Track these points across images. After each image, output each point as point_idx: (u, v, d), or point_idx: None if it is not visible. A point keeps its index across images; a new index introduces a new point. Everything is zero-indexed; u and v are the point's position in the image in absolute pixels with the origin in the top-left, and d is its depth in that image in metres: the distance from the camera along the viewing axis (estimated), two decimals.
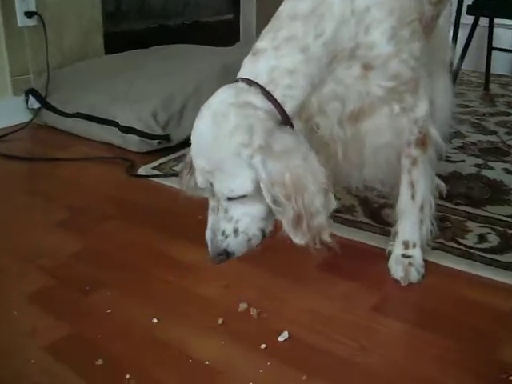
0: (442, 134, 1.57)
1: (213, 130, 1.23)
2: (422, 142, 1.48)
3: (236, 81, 1.30)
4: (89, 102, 2.55)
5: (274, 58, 1.29)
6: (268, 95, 1.27)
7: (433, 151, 1.52)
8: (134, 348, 1.28)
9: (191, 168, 1.38)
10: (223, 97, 1.27)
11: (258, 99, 1.26)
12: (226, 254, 1.32)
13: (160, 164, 2.29)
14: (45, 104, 2.68)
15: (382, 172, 1.53)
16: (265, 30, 1.35)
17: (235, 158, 1.22)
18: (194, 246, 1.64)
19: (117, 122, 2.40)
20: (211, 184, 1.27)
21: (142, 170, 2.21)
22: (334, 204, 1.28)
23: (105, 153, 2.41)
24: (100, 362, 1.23)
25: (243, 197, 1.26)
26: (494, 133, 2.82)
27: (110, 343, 1.29)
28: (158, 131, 2.35)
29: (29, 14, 2.79)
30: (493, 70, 4.03)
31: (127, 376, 1.19)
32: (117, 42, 3.33)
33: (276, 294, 1.46)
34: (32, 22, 2.81)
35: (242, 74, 1.32)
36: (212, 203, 1.32)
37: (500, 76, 4.23)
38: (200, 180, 1.30)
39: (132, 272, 1.56)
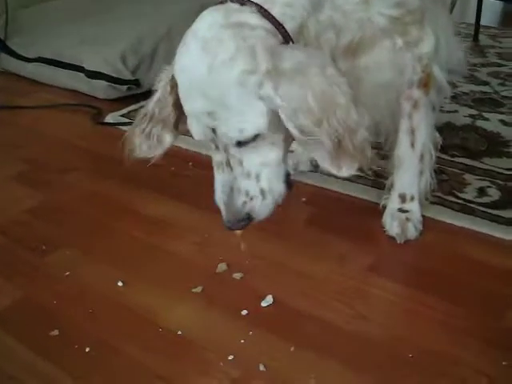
0: (448, 76, 1.44)
1: (206, 59, 1.04)
2: (425, 82, 1.36)
3: (222, 2, 1.11)
4: (52, 46, 2.47)
5: None
6: (266, 13, 1.08)
7: (435, 94, 1.40)
8: (96, 316, 1.19)
9: (150, 122, 1.23)
10: (211, 20, 1.08)
11: (254, 18, 1.08)
12: (249, 219, 1.14)
13: (129, 111, 2.19)
14: (4, 48, 2.58)
15: (379, 115, 1.40)
16: None
17: (240, 89, 1.03)
18: (163, 199, 1.56)
19: (83, 67, 2.32)
20: (213, 130, 1.07)
21: (109, 118, 2.12)
22: (366, 115, 1.11)
23: (69, 100, 2.31)
24: (55, 332, 1.13)
25: (255, 138, 1.07)
26: (486, 83, 2.74)
27: (67, 311, 1.19)
28: (128, 76, 2.27)
29: None
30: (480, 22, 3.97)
31: (87, 349, 1.08)
32: None
33: (259, 253, 1.35)
34: None
35: None
36: (217, 157, 1.12)
37: (488, 27, 4.18)
38: (197, 129, 1.10)
39: (94, 228, 1.46)
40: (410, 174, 1.45)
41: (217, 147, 1.11)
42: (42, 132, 2.03)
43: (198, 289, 1.23)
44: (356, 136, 1.05)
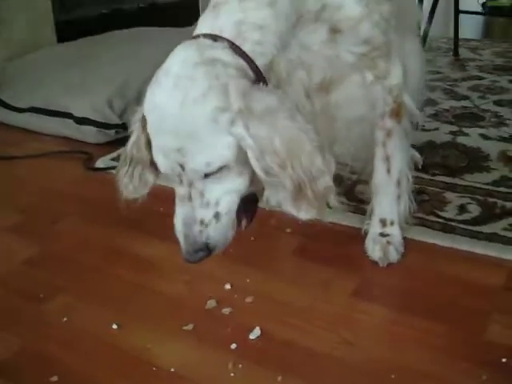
0: (416, 101, 1.49)
1: (178, 96, 1.05)
2: (397, 112, 1.41)
3: (195, 37, 1.14)
4: (41, 95, 2.48)
5: (240, 11, 1.14)
6: (238, 49, 1.11)
7: (407, 121, 1.45)
8: (93, 360, 1.20)
9: (131, 164, 1.25)
10: (184, 56, 1.09)
11: (226, 55, 1.10)
12: (207, 249, 1.13)
13: (119, 155, 2.15)
14: None
15: (354, 147, 1.45)
16: None
17: (211, 125, 1.05)
18: (154, 241, 1.58)
19: (71, 114, 2.33)
20: (181, 166, 1.08)
21: (99, 163, 2.14)
22: (334, 162, 1.12)
23: (61, 147, 2.31)
24: (55, 378, 1.14)
25: (221, 170, 1.09)
26: (466, 98, 2.79)
27: (65, 356, 1.21)
28: (115, 120, 2.28)
29: None
30: (461, 35, 4.00)
31: None
32: (69, 30, 3.26)
33: (246, 287, 1.38)
34: None
35: (201, 29, 1.16)
36: (181, 191, 1.12)
37: (468, 40, 4.24)
38: (164, 164, 1.11)
39: (90, 273, 1.48)
40: (388, 199, 1.48)
41: (181, 181, 1.12)
42: (34, 181, 2.04)
43: (189, 326, 1.25)
44: (317, 184, 1.09)
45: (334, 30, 1.25)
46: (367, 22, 1.26)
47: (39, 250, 1.59)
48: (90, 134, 2.29)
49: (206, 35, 1.13)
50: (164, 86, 1.07)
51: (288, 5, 1.17)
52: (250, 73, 1.13)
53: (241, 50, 1.12)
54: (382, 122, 1.40)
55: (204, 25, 1.17)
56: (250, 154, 1.06)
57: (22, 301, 1.38)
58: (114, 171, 1.95)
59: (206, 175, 1.09)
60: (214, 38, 1.12)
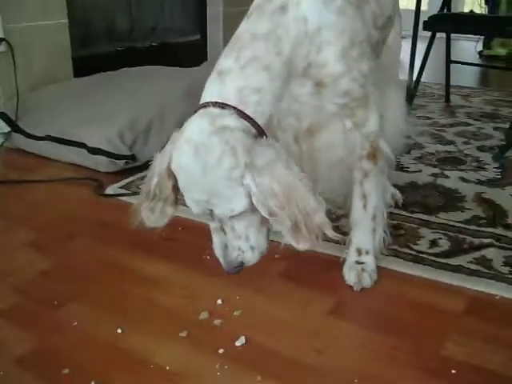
0: (395, 145, 1.64)
1: (200, 162, 1.26)
2: (373, 155, 1.54)
3: (205, 105, 1.33)
4: (58, 125, 2.58)
5: (242, 78, 1.33)
6: (241, 114, 1.31)
7: (384, 164, 1.58)
8: (99, 357, 1.34)
9: (153, 200, 1.43)
10: (200, 127, 1.29)
11: (233, 121, 1.30)
12: (242, 265, 1.40)
13: (127, 183, 2.34)
14: (15, 127, 2.70)
15: (335, 187, 1.59)
16: (226, 49, 1.39)
17: (228, 182, 1.27)
18: (156, 260, 1.73)
19: (85, 144, 2.44)
20: (210, 210, 1.32)
21: (109, 190, 2.26)
22: (324, 202, 1.32)
23: (74, 173, 2.44)
24: (66, 371, 1.28)
25: (242, 212, 1.32)
26: (452, 143, 2.90)
27: (76, 353, 1.35)
28: (125, 151, 2.40)
29: None
30: (455, 82, 4.11)
31: (92, 383, 1.24)
32: (86, 65, 3.37)
33: (235, 302, 1.52)
34: (0, 48, 2.87)
35: (210, 95, 1.35)
36: (213, 225, 1.38)
37: (462, 88, 4.33)
38: (197, 209, 1.33)
39: (98, 285, 1.62)
40: (364, 231, 1.61)
41: (212, 218, 1.35)
42: (50, 204, 2.17)
43: (184, 333, 1.39)
44: (312, 220, 1.29)
45: (319, 84, 1.40)
46: (347, 78, 1.41)
47: (54, 264, 1.72)
48: (101, 163, 2.41)
49: (214, 104, 1.31)
50: (187, 152, 1.28)
51: (280, 66, 1.35)
52: (253, 130, 1.33)
53: (244, 113, 1.32)
54: (360, 164, 1.53)
55: (211, 90, 1.35)
56: (255, 200, 1.27)
57: (39, 306, 1.52)
58: (123, 198, 2.14)
59: (232, 216, 1.33)
60: (222, 106, 1.31)
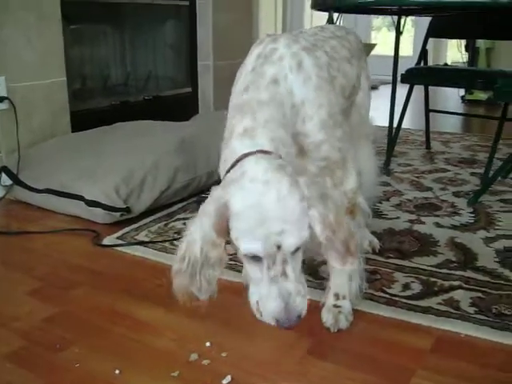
0: (369, 197, 1.80)
1: (272, 193, 1.31)
2: (351, 210, 1.68)
3: (247, 154, 1.41)
4: (57, 179, 2.69)
5: (269, 132, 1.46)
6: (280, 157, 1.43)
7: (361, 217, 1.74)
8: None
9: (202, 268, 1.40)
10: (262, 167, 1.36)
11: (282, 161, 1.41)
12: (299, 318, 1.36)
13: (123, 234, 2.45)
14: (17, 181, 2.80)
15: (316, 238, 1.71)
16: (235, 114, 1.53)
17: (302, 210, 1.34)
18: (150, 305, 1.85)
19: (83, 197, 2.55)
20: (278, 247, 1.32)
21: (106, 240, 2.38)
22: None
23: (73, 225, 2.56)
24: None
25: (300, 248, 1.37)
26: (429, 189, 3.06)
27: None
28: (120, 204, 2.52)
29: (0, 99, 3.00)
30: (437, 127, 4.31)
31: None
32: (83, 120, 3.51)
33: (222, 344, 1.64)
34: (3, 106, 3.02)
35: (244, 147, 1.43)
36: (272, 273, 1.34)
37: (442, 133, 4.52)
38: (262, 249, 1.32)
39: (97, 331, 1.73)
40: (341, 278, 1.71)
41: (273, 262, 1.33)
42: (50, 254, 2.27)
43: (176, 373, 1.49)
44: (355, 240, 1.47)
45: (303, 150, 1.58)
46: (326, 145, 1.59)
47: (56, 311, 1.83)
48: (98, 214, 2.52)
49: (259, 151, 1.41)
50: (255, 189, 1.33)
51: (289, 127, 1.53)
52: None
53: (281, 157, 1.46)
54: None
55: (245, 144, 1.45)
56: (318, 228, 1.40)
57: (43, 350, 1.63)
58: (120, 249, 2.27)
59: (294, 251, 1.35)
60: (265, 152, 1.42)
